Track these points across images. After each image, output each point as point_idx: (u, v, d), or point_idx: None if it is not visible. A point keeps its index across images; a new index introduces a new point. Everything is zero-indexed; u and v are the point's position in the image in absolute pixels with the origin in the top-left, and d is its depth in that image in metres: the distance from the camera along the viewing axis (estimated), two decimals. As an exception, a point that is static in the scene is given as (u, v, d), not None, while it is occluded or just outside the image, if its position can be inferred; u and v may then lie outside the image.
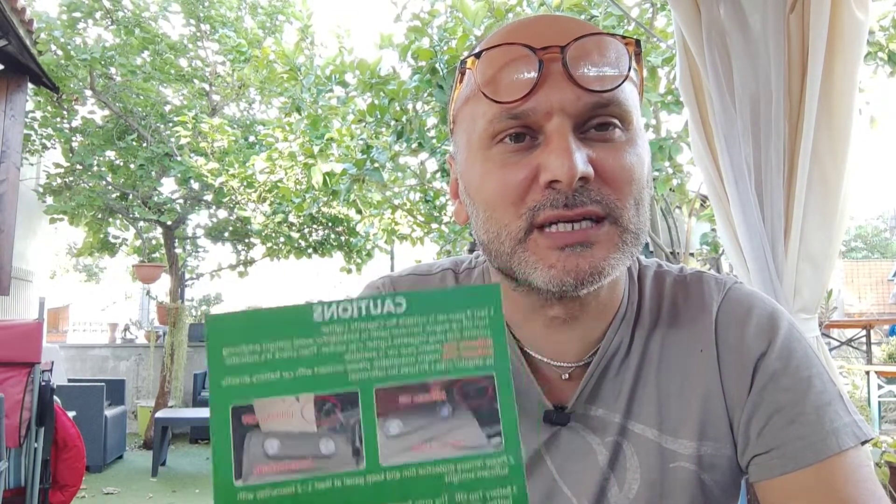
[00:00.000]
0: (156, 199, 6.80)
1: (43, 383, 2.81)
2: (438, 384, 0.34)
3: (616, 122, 0.55)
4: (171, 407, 6.48)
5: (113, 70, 6.54)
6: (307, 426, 0.33)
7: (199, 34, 7.08)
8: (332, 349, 0.33)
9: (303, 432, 0.32)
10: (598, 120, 0.55)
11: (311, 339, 0.33)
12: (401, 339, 0.34)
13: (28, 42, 5.41)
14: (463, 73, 0.60)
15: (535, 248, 0.55)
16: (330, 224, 7.39)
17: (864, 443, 0.59)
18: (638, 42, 0.57)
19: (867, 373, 4.66)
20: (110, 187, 7.00)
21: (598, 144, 0.55)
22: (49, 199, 6.96)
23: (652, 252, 4.27)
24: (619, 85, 0.54)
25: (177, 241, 7.26)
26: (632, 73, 0.56)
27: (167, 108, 7.22)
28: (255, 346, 0.33)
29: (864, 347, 5.98)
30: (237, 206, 6.75)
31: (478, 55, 0.57)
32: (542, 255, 0.55)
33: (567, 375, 0.65)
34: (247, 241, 7.72)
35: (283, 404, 0.32)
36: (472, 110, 0.59)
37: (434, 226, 5.41)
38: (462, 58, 0.59)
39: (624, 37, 0.56)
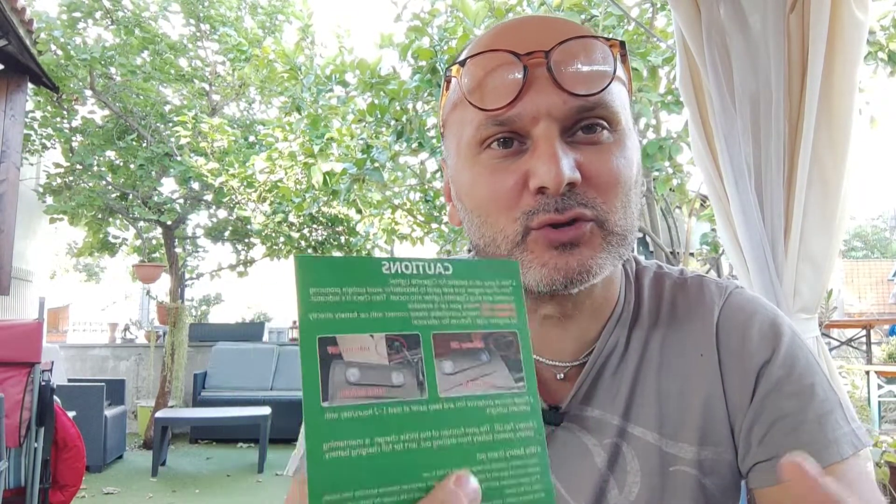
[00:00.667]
0: (156, 199, 6.80)
1: (43, 383, 2.81)
2: (479, 335, 0.40)
3: (603, 123, 0.56)
4: (171, 407, 6.48)
5: (113, 70, 6.54)
6: (381, 359, 0.37)
7: (198, 34, 7.08)
8: (398, 298, 0.39)
9: (378, 364, 0.37)
10: (586, 122, 0.55)
11: (380, 287, 0.39)
12: (450, 297, 0.40)
13: (28, 42, 5.41)
14: (449, 81, 0.60)
15: (534, 247, 0.56)
16: (330, 224, 7.39)
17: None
18: (623, 43, 0.57)
19: (867, 373, 4.66)
20: (110, 187, 7.00)
21: (585, 147, 0.55)
22: (49, 199, 6.96)
23: (652, 252, 4.27)
24: (605, 87, 0.54)
25: (177, 240, 7.26)
26: (620, 74, 0.57)
27: (167, 107, 7.21)
28: (336, 288, 0.38)
29: (864, 347, 5.98)
30: (237, 205, 6.75)
31: (462, 63, 0.57)
32: (539, 254, 0.56)
33: (562, 375, 0.65)
34: (247, 240, 7.72)
35: (361, 339, 0.37)
36: (459, 116, 0.59)
37: (434, 226, 5.41)
38: (448, 65, 0.59)
39: (608, 38, 0.56)
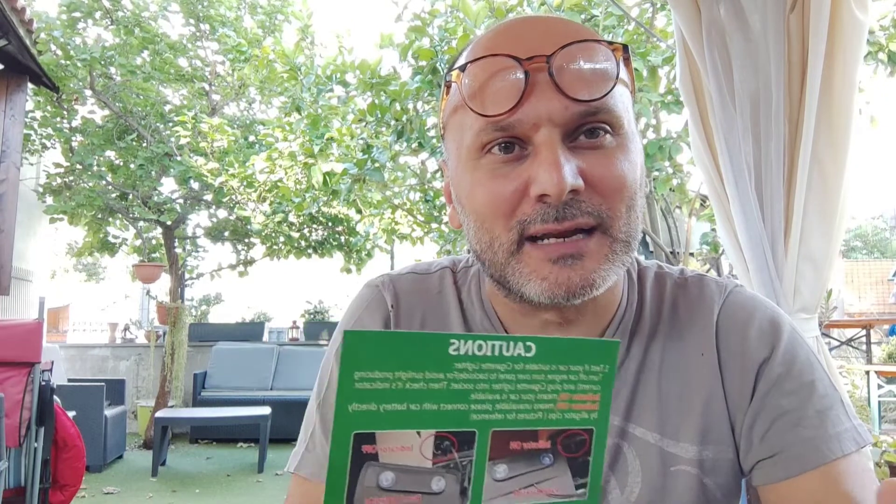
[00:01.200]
0: (156, 198, 6.80)
1: (43, 383, 2.81)
2: (546, 433, 0.35)
3: (606, 127, 0.55)
4: (171, 407, 6.48)
5: (113, 70, 6.54)
6: (423, 462, 0.33)
7: (198, 34, 7.08)
8: (461, 386, 0.33)
9: (418, 468, 0.32)
10: (588, 127, 0.54)
11: (442, 373, 0.33)
12: (524, 385, 0.34)
13: (28, 42, 5.41)
14: (449, 85, 0.59)
15: (529, 260, 0.55)
16: (330, 224, 7.39)
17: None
18: (626, 47, 0.56)
19: (867, 372, 4.66)
20: (110, 187, 7.00)
21: (587, 153, 0.55)
22: (49, 199, 6.96)
23: (652, 252, 4.27)
24: (608, 93, 0.54)
25: (177, 240, 7.26)
26: (622, 76, 0.56)
27: (167, 107, 7.21)
28: (388, 373, 0.32)
29: (864, 347, 5.99)
30: (237, 205, 6.75)
31: (462, 67, 0.56)
32: (535, 267, 0.55)
33: None
34: (247, 240, 7.72)
35: (405, 437, 0.32)
36: (459, 120, 0.59)
37: (434, 225, 5.41)
38: (447, 68, 0.59)
39: (611, 42, 0.55)
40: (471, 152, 0.57)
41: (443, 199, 5.23)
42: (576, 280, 0.54)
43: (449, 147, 0.63)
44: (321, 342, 7.98)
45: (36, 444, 2.76)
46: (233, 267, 7.84)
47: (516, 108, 0.53)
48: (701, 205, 4.27)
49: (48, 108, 6.76)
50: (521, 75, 0.53)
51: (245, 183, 6.11)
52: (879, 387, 4.64)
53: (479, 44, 0.59)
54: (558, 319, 0.62)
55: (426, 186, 4.98)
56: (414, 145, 4.19)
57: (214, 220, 7.69)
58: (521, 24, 0.58)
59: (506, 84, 0.54)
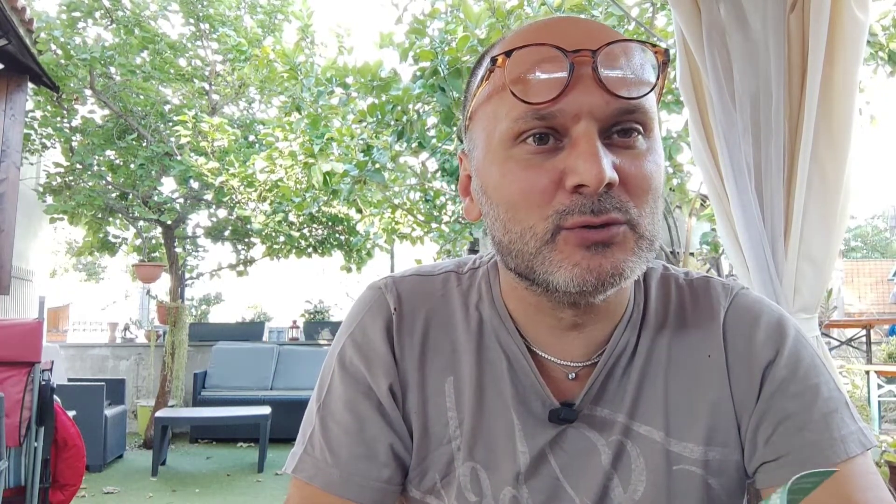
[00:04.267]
0: (156, 198, 6.79)
1: (43, 382, 2.81)
2: None
3: (639, 128, 0.56)
4: (171, 406, 6.48)
5: (113, 70, 6.54)
6: None
7: (198, 33, 7.08)
8: None
9: None
10: (623, 126, 0.55)
11: None
12: None
13: (28, 41, 5.41)
14: (492, 71, 0.59)
15: (563, 247, 0.55)
16: (330, 223, 7.39)
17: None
18: (667, 51, 0.57)
19: (867, 372, 4.66)
20: (110, 187, 6.99)
21: (621, 151, 0.55)
22: (49, 199, 6.96)
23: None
24: (648, 93, 0.55)
25: (177, 240, 7.26)
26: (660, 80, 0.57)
27: (167, 107, 7.21)
28: None
29: (864, 347, 5.99)
30: (237, 205, 6.74)
31: (508, 53, 0.56)
32: (569, 254, 0.55)
33: (574, 375, 0.65)
34: (247, 240, 7.72)
35: None
36: (494, 108, 0.58)
37: (434, 225, 5.41)
38: (491, 55, 0.59)
39: (654, 45, 0.56)
40: (504, 141, 0.57)
41: (443, 198, 5.24)
42: (607, 267, 0.54)
43: (476, 136, 0.62)
44: (321, 342, 7.98)
45: (36, 444, 2.76)
46: (233, 266, 7.84)
47: (559, 97, 0.53)
48: (701, 205, 4.27)
49: (48, 107, 6.76)
50: (566, 67, 0.53)
51: (245, 182, 6.11)
52: (879, 387, 4.64)
53: (520, 34, 0.60)
54: (574, 319, 0.62)
55: (426, 186, 4.98)
56: (414, 146, 4.19)
57: (214, 219, 7.69)
58: (565, 20, 0.59)
59: (551, 74, 0.54)
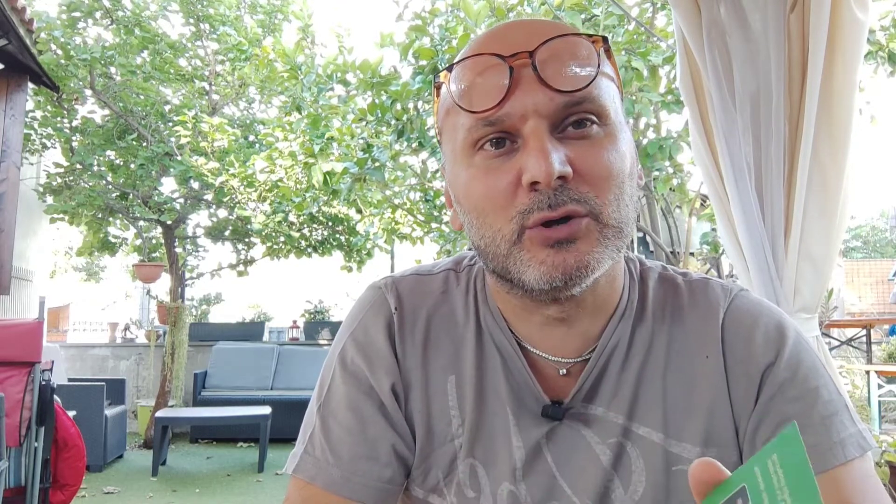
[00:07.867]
0: (156, 198, 6.79)
1: (43, 383, 2.81)
2: None
3: (592, 118, 0.56)
4: (171, 406, 6.48)
5: (113, 70, 6.54)
6: None
7: (198, 33, 7.08)
8: None
9: None
10: (575, 118, 0.56)
11: None
12: None
13: (28, 41, 5.41)
14: (439, 88, 0.62)
15: (529, 246, 0.56)
16: (330, 223, 7.39)
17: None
18: (605, 38, 0.58)
19: (867, 372, 4.66)
20: (110, 187, 6.99)
21: (575, 143, 0.56)
22: (49, 199, 6.96)
23: (652, 252, 4.27)
24: (590, 83, 0.55)
25: (177, 240, 7.26)
26: (605, 69, 0.58)
27: (167, 107, 7.21)
28: None
29: (864, 347, 5.99)
30: (237, 205, 6.74)
31: (449, 68, 0.58)
32: (535, 253, 0.56)
33: (565, 371, 0.65)
34: (247, 240, 7.72)
35: None
36: (452, 121, 0.61)
37: (434, 225, 5.41)
38: (436, 73, 0.61)
39: (591, 35, 0.57)
40: (464, 150, 0.59)
41: (443, 198, 5.24)
42: (571, 262, 0.55)
43: (445, 150, 0.64)
44: (321, 342, 7.97)
45: (36, 444, 2.76)
46: (233, 266, 7.84)
47: (503, 102, 0.55)
48: (701, 205, 4.27)
49: (48, 107, 6.76)
50: (505, 71, 0.55)
51: (245, 182, 6.11)
52: (879, 387, 4.64)
53: (467, 47, 0.62)
54: (560, 315, 0.62)
55: (426, 186, 4.98)
56: (414, 144, 4.20)
57: (214, 219, 7.68)
58: (505, 26, 0.61)
59: (492, 80, 0.56)
